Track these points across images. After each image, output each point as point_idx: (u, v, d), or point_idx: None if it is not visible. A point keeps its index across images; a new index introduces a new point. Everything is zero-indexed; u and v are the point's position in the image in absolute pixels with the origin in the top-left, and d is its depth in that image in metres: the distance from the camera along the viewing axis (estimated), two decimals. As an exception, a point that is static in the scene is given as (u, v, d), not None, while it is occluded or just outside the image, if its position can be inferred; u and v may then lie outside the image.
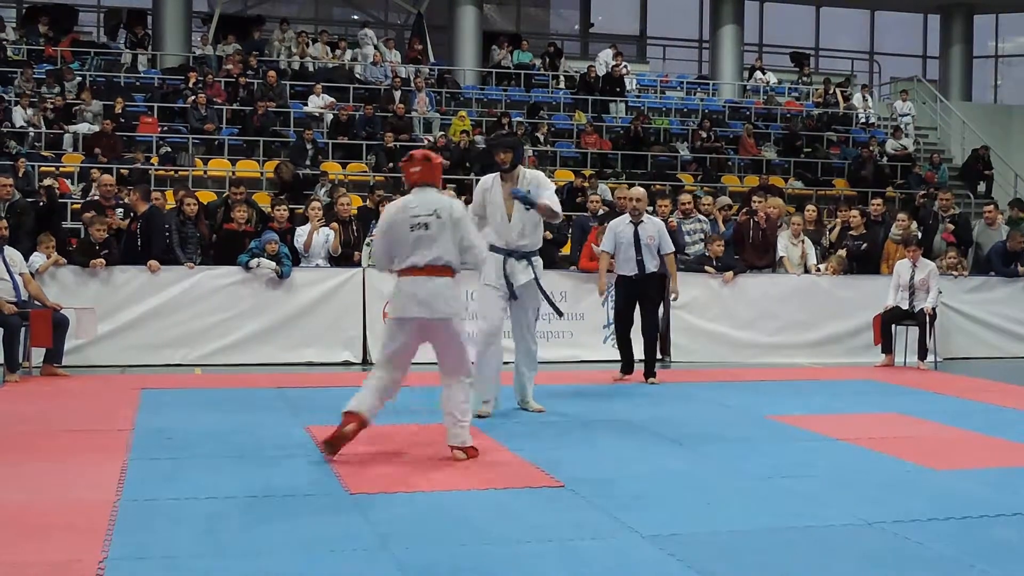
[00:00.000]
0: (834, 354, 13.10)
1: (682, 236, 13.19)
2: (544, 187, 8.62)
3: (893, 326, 12.71)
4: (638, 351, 10.96)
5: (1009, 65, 33.32)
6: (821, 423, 8.56)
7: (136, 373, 11.11)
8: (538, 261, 8.85)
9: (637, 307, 10.88)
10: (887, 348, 12.72)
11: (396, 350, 7.05)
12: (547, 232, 11.00)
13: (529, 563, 4.82)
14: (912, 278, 12.61)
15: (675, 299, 11.27)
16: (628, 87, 24.70)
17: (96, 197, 13.62)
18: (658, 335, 11.19)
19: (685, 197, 14.07)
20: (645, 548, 5.07)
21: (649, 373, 10.86)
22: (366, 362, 11.42)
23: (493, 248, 8.39)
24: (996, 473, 6.86)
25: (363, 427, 6.86)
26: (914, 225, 14.13)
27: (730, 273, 12.93)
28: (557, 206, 8.63)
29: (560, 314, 9.38)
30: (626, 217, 10.77)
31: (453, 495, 6.03)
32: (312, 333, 11.98)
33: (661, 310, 11.48)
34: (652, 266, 10.65)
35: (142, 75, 21.99)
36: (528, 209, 8.51)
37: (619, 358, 11.05)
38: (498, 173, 8.77)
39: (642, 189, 11.20)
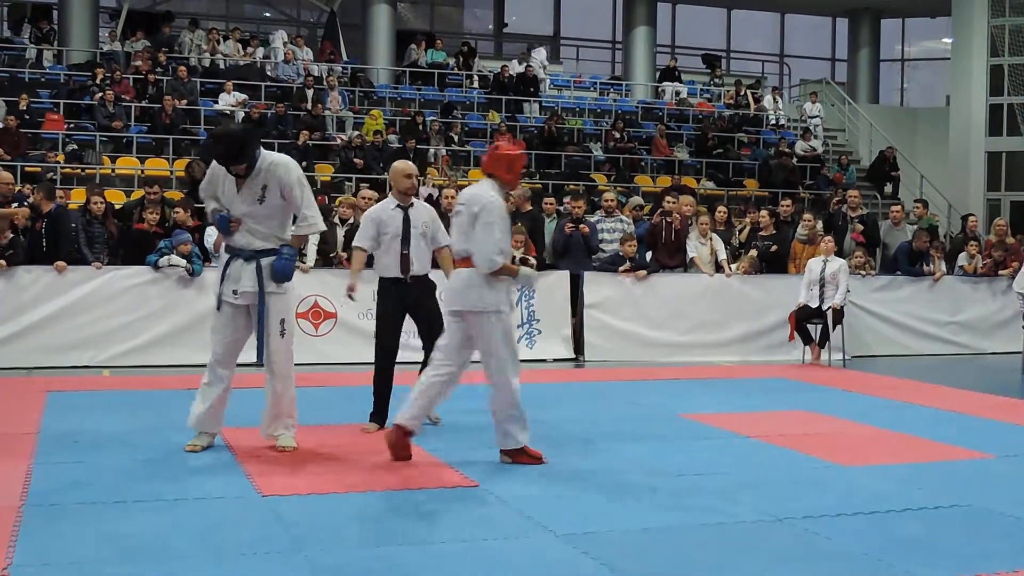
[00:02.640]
0: (744, 353, 13.27)
1: (596, 238, 13.24)
2: (298, 196, 7.07)
3: (806, 323, 12.90)
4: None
5: (915, 68, 34.02)
6: (732, 421, 8.66)
7: (42, 375, 10.88)
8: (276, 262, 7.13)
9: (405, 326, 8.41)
10: (808, 341, 12.92)
11: (448, 340, 7.08)
12: None
13: (444, 563, 4.80)
14: (823, 272, 12.78)
15: None
16: (542, 88, 24.81)
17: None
18: None
19: (608, 195, 14.14)
20: (559, 547, 5.09)
21: None
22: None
23: (226, 247, 7.26)
24: (903, 469, 6.98)
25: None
26: (819, 225, 14.36)
27: (643, 271, 13.02)
28: (312, 225, 7.22)
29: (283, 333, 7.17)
30: (390, 202, 8.33)
31: (367, 496, 5.99)
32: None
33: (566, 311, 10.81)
34: (425, 265, 8.29)
35: (47, 71, 21.57)
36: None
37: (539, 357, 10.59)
38: None
39: (411, 164, 8.66)
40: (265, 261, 7.08)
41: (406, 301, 8.15)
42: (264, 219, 7.07)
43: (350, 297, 8.21)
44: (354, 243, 8.27)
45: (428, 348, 8.12)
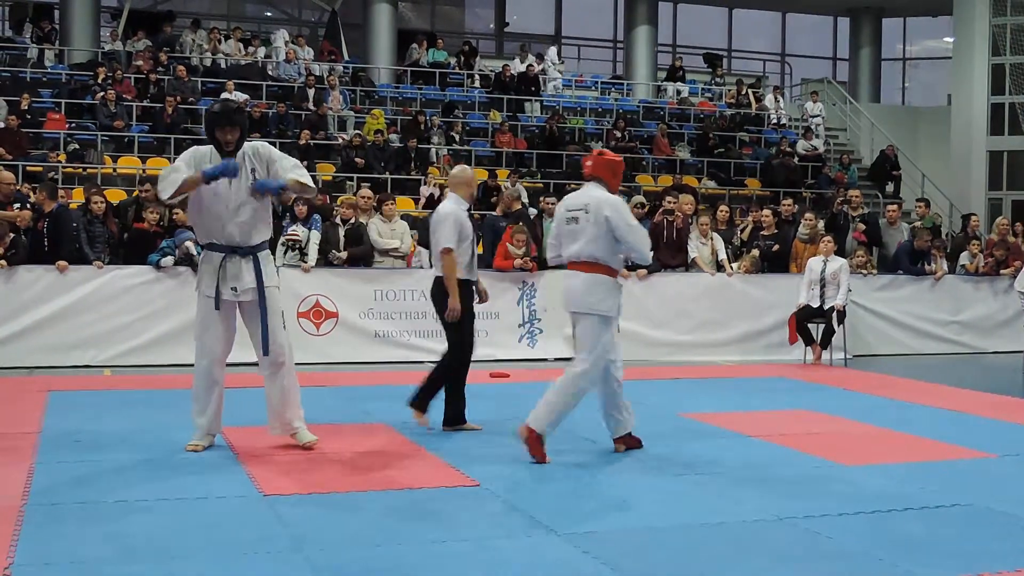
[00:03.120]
0: (746, 352, 13.26)
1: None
2: (279, 159, 7.05)
3: (807, 323, 12.88)
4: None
5: (916, 68, 34.00)
6: (734, 420, 8.66)
7: (43, 375, 10.88)
8: (268, 259, 7.23)
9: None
10: (810, 342, 12.90)
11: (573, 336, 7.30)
12: None
13: (444, 563, 4.80)
14: (824, 271, 12.77)
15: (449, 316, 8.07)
16: (544, 88, 24.82)
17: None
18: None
19: None
20: (561, 546, 5.08)
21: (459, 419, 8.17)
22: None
23: (209, 246, 7.13)
24: (903, 468, 6.98)
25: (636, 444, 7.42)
26: (821, 224, 14.36)
27: (643, 271, 13.02)
28: (307, 177, 7.03)
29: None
30: (461, 203, 8.17)
31: (368, 495, 5.99)
32: (225, 333, 11.81)
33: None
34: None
35: (49, 70, 21.60)
36: (276, 195, 7.12)
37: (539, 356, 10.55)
38: (211, 147, 7.04)
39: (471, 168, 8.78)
40: (262, 254, 7.10)
41: (470, 304, 8.13)
42: (260, 208, 7.04)
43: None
44: (448, 246, 7.90)
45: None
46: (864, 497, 6.09)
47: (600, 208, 7.01)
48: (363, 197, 13.22)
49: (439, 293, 8.05)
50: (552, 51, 26.43)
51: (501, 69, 24.45)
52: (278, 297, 7.24)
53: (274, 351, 7.11)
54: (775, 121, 25.59)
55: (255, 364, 7.26)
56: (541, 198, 14.43)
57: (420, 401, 8.12)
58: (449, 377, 8.10)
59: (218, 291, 7.04)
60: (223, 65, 22.66)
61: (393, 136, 20.72)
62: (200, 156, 7.00)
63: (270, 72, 22.58)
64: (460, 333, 8.11)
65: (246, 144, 7.07)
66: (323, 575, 4.61)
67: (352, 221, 12.75)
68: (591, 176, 7.28)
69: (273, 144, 7.91)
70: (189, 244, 11.80)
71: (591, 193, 7.17)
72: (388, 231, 12.91)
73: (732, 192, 21.26)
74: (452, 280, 7.91)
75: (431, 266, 8.40)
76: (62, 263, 11.50)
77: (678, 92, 26.17)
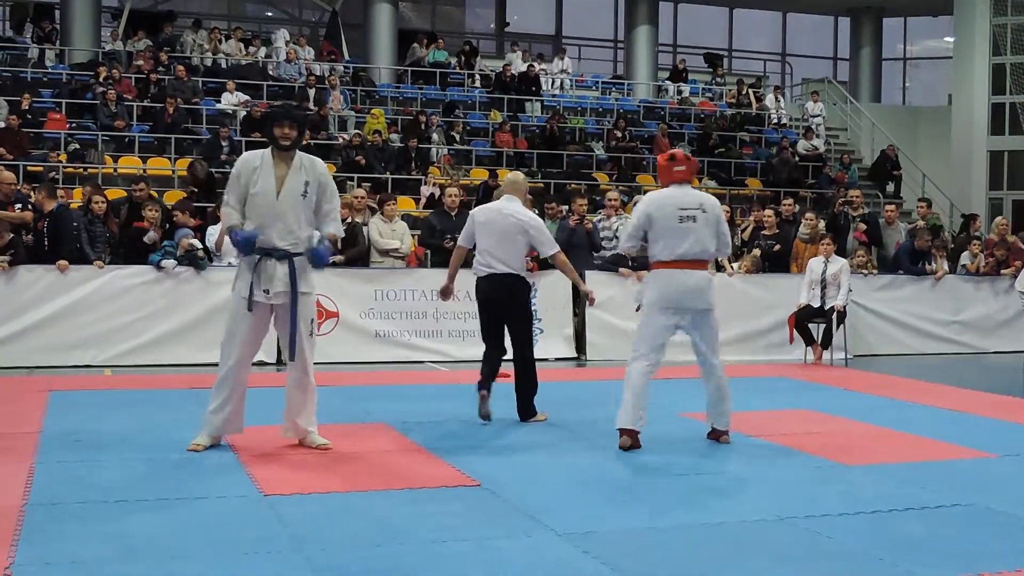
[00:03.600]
0: (746, 352, 13.24)
1: (598, 236, 13.24)
2: (329, 190, 7.19)
3: (808, 323, 12.89)
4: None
5: (917, 67, 34.00)
6: (734, 420, 8.62)
7: (44, 375, 10.88)
8: (306, 266, 7.13)
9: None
10: (810, 342, 12.90)
11: (657, 332, 7.62)
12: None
13: (445, 563, 4.80)
14: (824, 272, 12.77)
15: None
16: (545, 87, 24.82)
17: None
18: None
19: (612, 195, 14.10)
20: (561, 546, 5.08)
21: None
22: (280, 362, 11.30)
23: (257, 249, 7.05)
24: (904, 468, 6.98)
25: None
26: (822, 224, 14.36)
27: (644, 272, 12.98)
28: (339, 227, 7.33)
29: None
30: None
31: (368, 495, 5.99)
32: (226, 333, 11.81)
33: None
34: None
35: (50, 70, 21.61)
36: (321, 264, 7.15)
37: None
38: (269, 150, 7.07)
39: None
40: (298, 260, 7.06)
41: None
42: (304, 218, 7.06)
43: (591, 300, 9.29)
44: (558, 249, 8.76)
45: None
46: (864, 497, 6.09)
47: (715, 208, 7.61)
48: (356, 197, 13.23)
49: (509, 289, 8.54)
50: (558, 59, 26.38)
51: (502, 69, 24.47)
52: (311, 304, 7.24)
53: (300, 357, 7.12)
54: (776, 121, 25.60)
55: (256, 364, 7.25)
56: (544, 201, 14.43)
57: (525, 412, 8.69)
58: (533, 371, 8.83)
59: (252, 292, 7.00)
60: (224, 65, 22.68)
61: (394, 136, 20.72)
62: (248, 162, 7.07)
63: (271, 72, 22.60)
64: (527, 332, 8.87)
65: (304, 154, 7.12)
66: (323, 575, 4.62)
67: (348, 220, 12.74)
68: (685, 180, 7.69)
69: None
70: (194, 242, 11.81)
71: (696, 193, 7.73)
72: (389, 231, 12.91)
73: (733, 192, 21.26)
74: (575, 274, 9.13)
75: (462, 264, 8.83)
76: (62, 263, 11.50)
77: (679, 92, 26.19)
